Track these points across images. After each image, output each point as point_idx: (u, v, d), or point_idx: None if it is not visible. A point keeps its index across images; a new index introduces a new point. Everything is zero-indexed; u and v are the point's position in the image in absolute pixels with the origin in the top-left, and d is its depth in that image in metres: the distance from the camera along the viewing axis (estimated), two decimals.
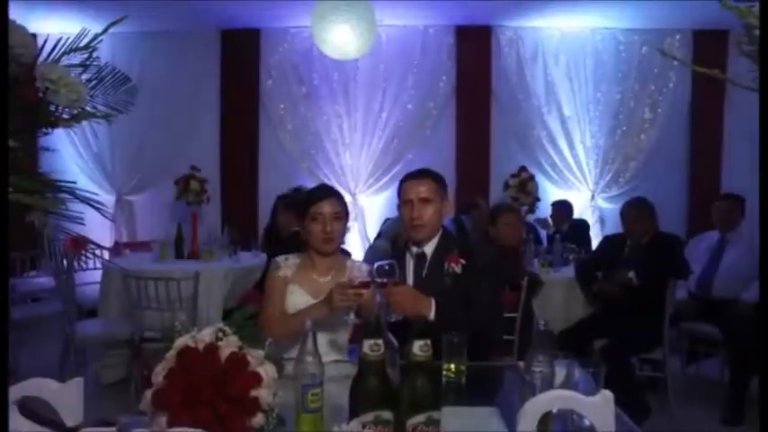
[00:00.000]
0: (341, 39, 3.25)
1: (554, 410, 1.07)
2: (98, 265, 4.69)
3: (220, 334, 1.07)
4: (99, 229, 5.62)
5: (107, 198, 5.68)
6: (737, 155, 5.14)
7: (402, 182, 1.90)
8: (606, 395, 0.79)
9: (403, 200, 1.88)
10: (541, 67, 5.38)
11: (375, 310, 1.29)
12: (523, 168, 4.65)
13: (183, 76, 5.39)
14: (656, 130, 5.31)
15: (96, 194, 2.18)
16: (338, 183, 5.56)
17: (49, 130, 1.98)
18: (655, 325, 2.90)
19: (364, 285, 1.53)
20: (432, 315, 1.62)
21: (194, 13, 4.95)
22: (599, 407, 0.78)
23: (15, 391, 0.90)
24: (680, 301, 3.35)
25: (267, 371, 1.07)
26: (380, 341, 0.91)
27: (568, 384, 1.16)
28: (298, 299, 1.80)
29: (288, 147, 5.55)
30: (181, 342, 1.04)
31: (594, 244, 4.72)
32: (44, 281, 4.42)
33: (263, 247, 4.55)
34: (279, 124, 5.55)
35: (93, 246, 5.00)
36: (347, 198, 5.65)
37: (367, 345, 0.90)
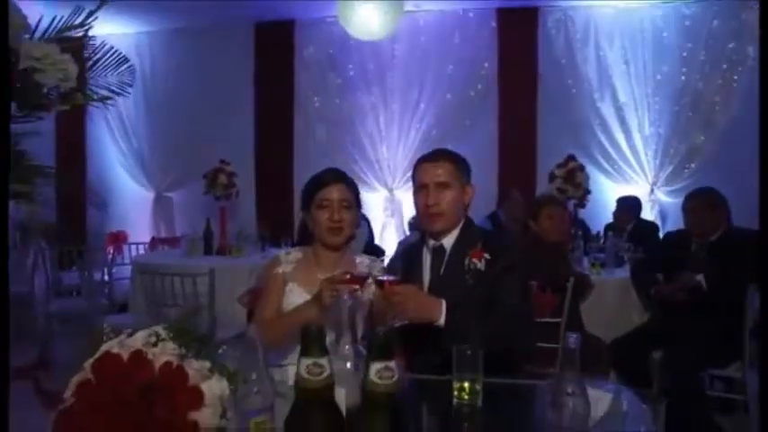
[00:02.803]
0: (366, 17, 3.04)
1: None
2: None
3: (154, 338, 0.86)
4: (139, 225, 5.71)
5: (146, 195, 5.76)
6: None
7: (416, 165, 1.64)
8: None
9: (418, 185, 1.62)
10: (593, 49, 4.92)
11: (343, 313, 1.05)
12: (571, 157, 4.22)
13: (218, 70, 5.35)
14: (728, 114, 4.68)
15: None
16: (375, 178, 5.36)
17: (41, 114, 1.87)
18: (729, 336, 2.46)
19: (357, 280, 1.29)
20: (442, 320, 1.35)
21: (228, 6, 4.90)
22: None
23: None
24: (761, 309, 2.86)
25: (212, 387, 0.85)
26: (322, 360, 0.66)
27: (613, 419, 0.87)
28: (297, 299, 1.59)
29: (323, 141, 5.40)
30: (103, 348, 0.85)
31: None
32: (71, 276, 4.49)
33: (298, 243, 4.41)
34: (314, 117, 5.41)
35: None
36: (383, 193, 5.50)
37: (304, 365, 0.66)
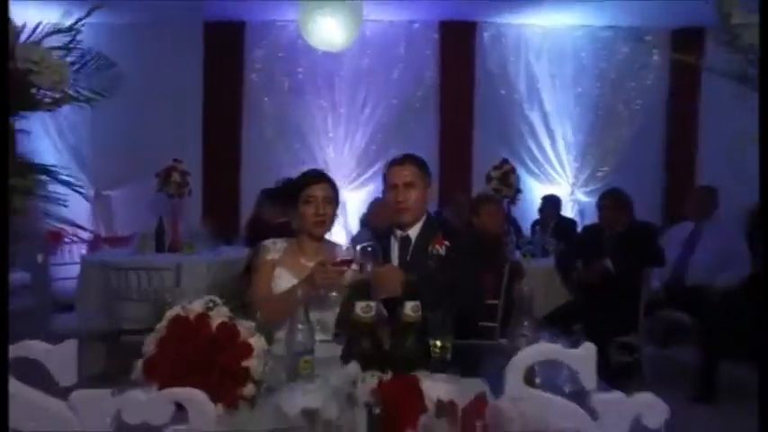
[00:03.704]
0: (327, 30, 3.27)
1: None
2: (75, 258, 4.61)
3: (211, 304, 1.08)
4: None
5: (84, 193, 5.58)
6: (712, 149, 5.27)
7: (387, 167, 1.93)
8: (588, 347, 0.84)
9: (388, 185, 1.91)
10: (524, 63, 5.48)
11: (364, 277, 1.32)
12: (505, 161, 4.72)
13: (166, 67, 5.30)
14: (633, 125, 5.44)
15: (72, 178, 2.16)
16: None
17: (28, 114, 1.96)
18: (630, 310, 3.00)
19: (346, 263, 1.55)
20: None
21: (178, 5, 4.89)
22: (582, 357, 0.83)
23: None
24: (655, 290, 3.45)
25: (258, 342, 1.09)
26: (372, 303, 0.93)
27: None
28: (284, 283, 1.81)
29: (271, 140, 5.53)
30: (172, 312, 1.06)
31: None
32: (18, 276, 4.32)
33: (247, 241, 4.53)
34: (262, 118, 5.52)
35: (72, 235, 4.90)
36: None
37: (359, 307, 0.93)
